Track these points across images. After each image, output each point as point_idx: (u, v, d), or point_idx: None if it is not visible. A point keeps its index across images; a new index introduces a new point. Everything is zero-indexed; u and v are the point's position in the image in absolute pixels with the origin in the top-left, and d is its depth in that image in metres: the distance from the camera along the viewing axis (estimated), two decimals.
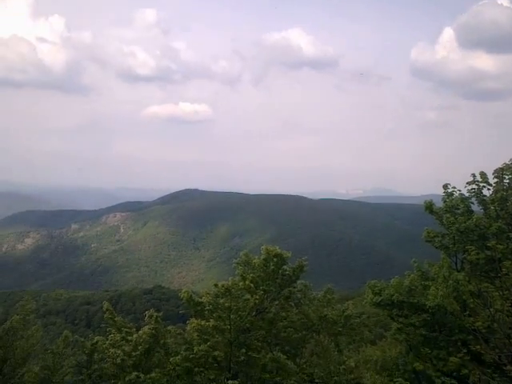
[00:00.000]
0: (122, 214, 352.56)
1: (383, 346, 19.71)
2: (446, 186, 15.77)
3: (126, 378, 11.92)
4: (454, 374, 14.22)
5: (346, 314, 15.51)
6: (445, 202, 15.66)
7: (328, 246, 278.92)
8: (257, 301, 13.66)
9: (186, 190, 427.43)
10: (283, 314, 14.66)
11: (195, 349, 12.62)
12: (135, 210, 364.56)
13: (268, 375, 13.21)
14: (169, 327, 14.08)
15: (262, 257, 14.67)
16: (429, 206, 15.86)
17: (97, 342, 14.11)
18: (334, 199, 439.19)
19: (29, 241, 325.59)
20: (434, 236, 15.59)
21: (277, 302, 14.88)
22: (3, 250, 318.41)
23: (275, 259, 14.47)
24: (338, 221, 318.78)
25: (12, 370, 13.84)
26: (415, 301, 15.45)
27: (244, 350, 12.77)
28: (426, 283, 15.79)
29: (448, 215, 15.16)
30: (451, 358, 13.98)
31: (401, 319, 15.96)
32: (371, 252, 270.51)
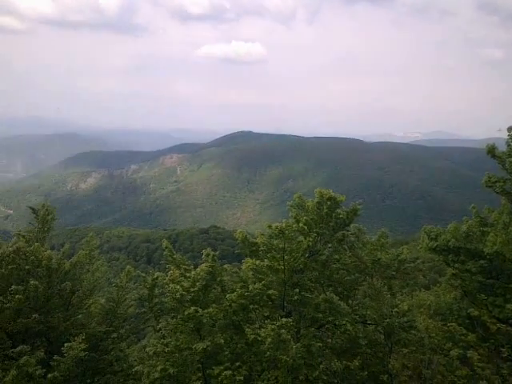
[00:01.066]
0: (179, 155, 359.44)
1: (437, 292, 19.58)
2: (510, 129, 14.88)
3: (185, 312, 12.57)
4: (510, 321, 14.07)
5: (400, 258, 15.43)
6: (509, 145, 14.85)
7: (383, 190, 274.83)
8: (310, 243, 13.81)
9: (241, 132, 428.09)
10: (336, 256, 14.78)
11: (250, 287, 13.07)
12: (191, 151, 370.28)
13: (321, 315, 13.54)
14: (225, 266, 14.53)
15: (316, 200, 14.66)
16: (491, 150, 15.01)
17: (157, 278, 14.77)
18: (391, 142, 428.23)
19: (91, 180, 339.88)
20: (496, 181, 14.89)
21: (330, 245, 14.97)
22: (68, 188, 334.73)
23: (329, 202, 14.43)
24: (393, 165, 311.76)
25: (80, 301, 14.73)
26: (472, 247, 15.12)
27: (297, 290, 13.08)
28: (485, 229, 15.35)
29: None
30: (508, 305, 13.78)
31: (457, 265, 15.73)
32: (427, 197, 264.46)
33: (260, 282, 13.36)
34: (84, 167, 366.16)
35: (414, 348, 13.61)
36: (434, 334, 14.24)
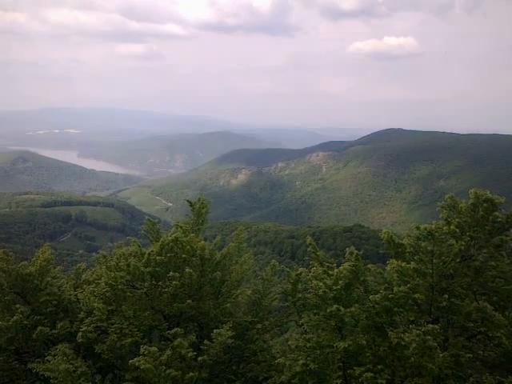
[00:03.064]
0: (325, 153, 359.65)
1: None
2: None
3: (328, 310, 12.60)
4: None
5: None
6: None
7: None
8: (462, 247, 12.93)
9: (389, 129, 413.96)
10: (492, 263, 13.62)
11: (395, 289, 12.64)
12: (337, 149, 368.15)
13: (472, 324, 12.63)
14: (368, 265, 14.25)
15: (470, 201, 13.68)
16: None
17: (300, 273, 15.02)
18: None
19: (241, 176, 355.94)
20: None
21: (485, 250, 13.87)
22: (220, 183, 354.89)
23: (485, 204, 13.37)
24: None
25: (229, 291, 15.55)
26: None
27: (446, 296, 12.34)
28: None
29: None
30: None
31: None
32: None
33: (405, 284, 12.85)
34: (236, 164, 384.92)
35: None
36: None
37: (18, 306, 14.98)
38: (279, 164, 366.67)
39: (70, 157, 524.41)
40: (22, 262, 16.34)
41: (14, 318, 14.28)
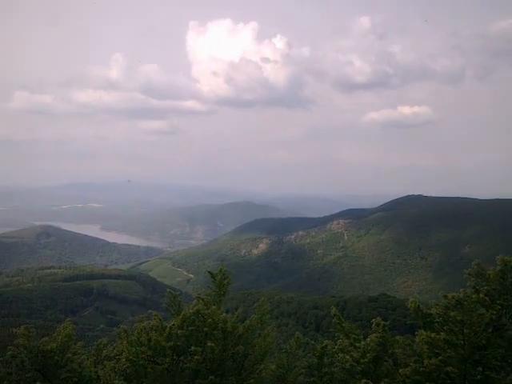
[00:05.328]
0: (345, 221, 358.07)
1: None
2: None
3: None
4: None
5: None
6: None
7: None
8: (493, 316, 12.47)
9: (409, 195, 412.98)
10: None
11: (425, 362, 12.10)
12: (358, 216, 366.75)
13: None
14: (396, 337, 13.78)
15: (498, 268, 13.34)
16: None
17: (326, 346, 14.57)
18: None
19: (262, 246, 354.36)
20: None
21: None
22: (241, 253, 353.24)
23: None
24: None
25: (252, 366, 15.06)
26: None
27: (480, 369, 11.75)
28: None
29: None
30: None
31: None
32: None
33: (436, 357, 12.32)
34: (256, 233, 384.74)
35: None
36: None
37: (38, 383, 14.73)
38: (300, 232, 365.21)
39: (92, 230, 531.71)
40: (44, 338, 16.23)
41: None
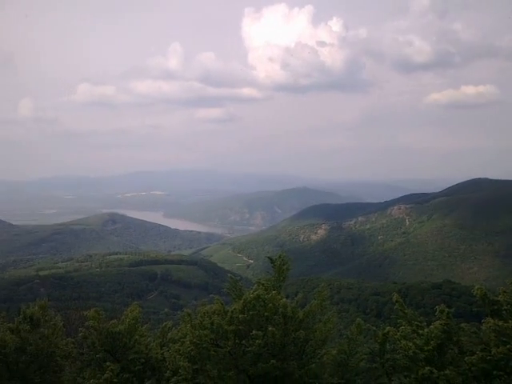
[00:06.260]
0: (407, 206, 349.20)
1: None
2: None
3: (419, 372, 11.86)
4: None
5: None
6: None
7: None
8: None
9: (474, 179, 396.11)
10: None
11: (493, 350, 11.70)
12: (420, 201, 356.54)
13: None
14: (462, 324, 13.38)
15: None
16: None
17: (388, 333, 14.36)
18: None
19: (321, 232, 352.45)
20: None
21: None
22: (300, 239, 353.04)
23: None
24: None
25: (313, 351, 15.09)
26: None
27: None
28: None
29: None
30: None
31: None
32: None
33: (505, 345, 11.87)
34: (315, 219, 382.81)
35: None
36: None
37: (108, 363, 15.47)
38: (359, 218, 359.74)
39: (155, 217, 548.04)
40: (112, 321, 17.00)
41: (105, 375, 14.73)
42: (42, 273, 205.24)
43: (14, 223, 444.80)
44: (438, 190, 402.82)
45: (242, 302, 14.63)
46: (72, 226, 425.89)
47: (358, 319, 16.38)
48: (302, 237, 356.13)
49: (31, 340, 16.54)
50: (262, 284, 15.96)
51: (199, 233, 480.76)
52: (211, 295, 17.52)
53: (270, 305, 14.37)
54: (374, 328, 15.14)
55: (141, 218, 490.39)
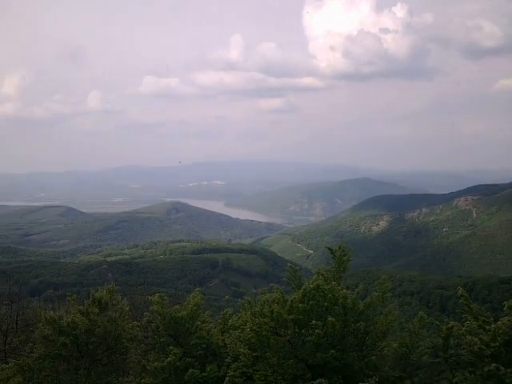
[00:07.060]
0: (474, 197, 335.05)
1: None
2: None
3: (485, 369, 11.48)
4: None
5: None
6: None
7: None
8: None
9: None
10: None
11: None
12: (488, 193, 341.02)
13: None
14: None
15: None
16: None
17: (452, 327, 13.96)
18: None
19: (383, 223, 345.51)
20: None
21: None
22: (361, 231, 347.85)
23: None
24: None
25: (373, 343, 14.96)
26: None
27: None
28: None
29: None
30: None
31: None
32: None
33: None
34: (376, 210, 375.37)
35: None
36: None
37: (171, 347, 16.02)
38: (423, 209, 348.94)
39: (217, 206, 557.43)
40: (175, 306, 17.57)
41: (168, 359, 15.26)
42: (109, 259, 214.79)
43: (84, 211, 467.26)
44: (507, 181, 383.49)
45: (301, 291, 14.69)
46: (137, 214, 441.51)
47: (420, 312, 16.05)
48: (363, 228, 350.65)
49: (100, 322, 17.35)
50: (322, 274, 15.94)
51: (259, 222, 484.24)
52: (271, 284, 17.72)
53: (330, 295, 14.34)
54: (438, 322, 14.78)
55: (203, 208, 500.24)
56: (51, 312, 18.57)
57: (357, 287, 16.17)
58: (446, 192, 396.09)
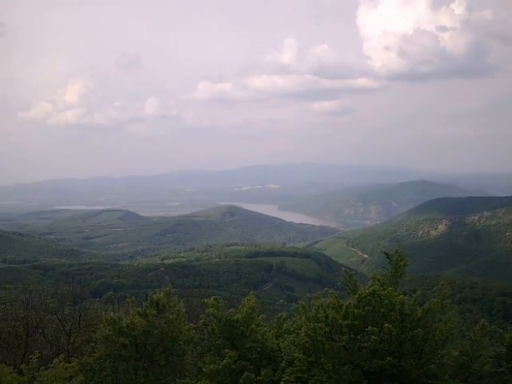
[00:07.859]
0: None
1: None
2: None
3: None
4: None
5: None
6: None
7: None
8: None
9: None
10: None
11: None
12: None
13: None
14: None
15: None
16: None
17: None
18: None
19: (441, 227, 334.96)
20: None
21: None
22: (418, 235, 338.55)
23: None
24: None
25: (432, 351, 14.52)
26: None
27: None
28: None
29: None
30: None
31: None
32: None
33: None
34: (434, 214, 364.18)
35: None
36: None
37: (226, 350, 16.21)
38: (484, 213, 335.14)
39: (270, 210, 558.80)
40: (230, 309, 17.77)
41: (224, 361, 15.45)
42: (166, 261, 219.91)
43: (142, 215, 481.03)
44: None
45: (356, 296, 14.51)
46: (193, 217, 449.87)
47: (482, 320, 15.48)
48: (421, 232, 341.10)
49: (157, 324, 17.81)
50: (378, 279, 15.68)
51: (313, 226, 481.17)
52: (325, 288, 17.60)
53: (386, 301, 14.08)
54: (501, 330, 14.23)
55: (256, 211, 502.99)
56: (111, 313, 19.27)
57: (414, 293, 15.79)
58: (509, 194, 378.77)
